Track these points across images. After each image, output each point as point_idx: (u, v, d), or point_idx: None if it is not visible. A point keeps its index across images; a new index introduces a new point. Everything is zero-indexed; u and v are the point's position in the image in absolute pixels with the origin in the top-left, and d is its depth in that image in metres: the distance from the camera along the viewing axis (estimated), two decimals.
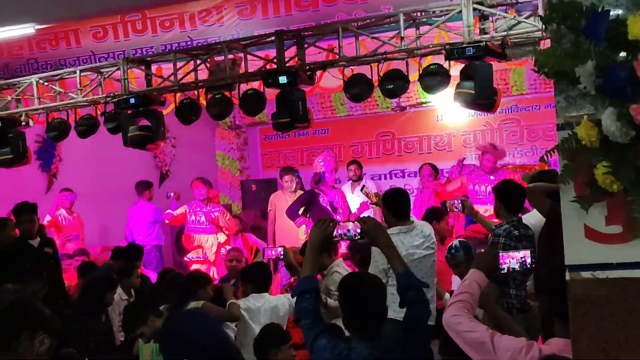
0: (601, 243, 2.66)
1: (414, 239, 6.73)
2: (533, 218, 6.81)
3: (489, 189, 9.85)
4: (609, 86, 2.51)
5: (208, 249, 11.64)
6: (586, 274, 2.70)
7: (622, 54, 2.52)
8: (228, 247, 10.82)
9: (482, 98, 7.58)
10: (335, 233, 4.42)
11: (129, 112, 8.87)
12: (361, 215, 6.56)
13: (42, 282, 7.16)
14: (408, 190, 11.84)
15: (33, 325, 3.39)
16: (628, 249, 2.62)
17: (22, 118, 9.53)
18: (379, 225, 4.43)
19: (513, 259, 4.71)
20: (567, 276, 2.74)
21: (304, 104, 8.24)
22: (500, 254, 4.45)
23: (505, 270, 4.41)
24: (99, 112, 9.25)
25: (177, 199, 11.95)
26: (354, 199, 11.43)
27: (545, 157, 2.76)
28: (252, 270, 7.33)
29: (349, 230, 4.47)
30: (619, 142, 2.53)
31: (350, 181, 11.83)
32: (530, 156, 11.96)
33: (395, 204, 6.89)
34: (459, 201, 7.77)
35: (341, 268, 8.05)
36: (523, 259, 4.88)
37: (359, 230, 4.36)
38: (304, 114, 8.29)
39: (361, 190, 9.59)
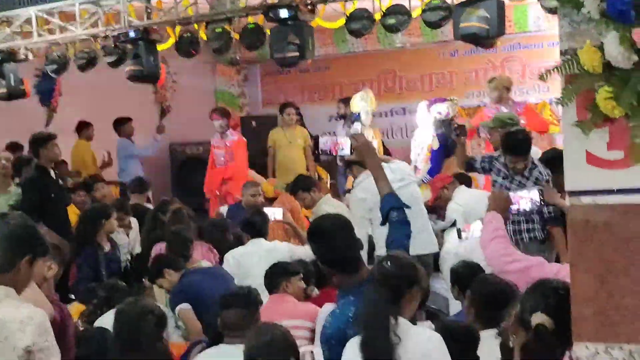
0: (602, 168, 2.66)
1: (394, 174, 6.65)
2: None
3: None
4: (613, 10, 2.48)
5: None
6: (586, 200, 2.70)
7: None
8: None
9: (497, 32, 7.50)
10: (326, 147, 4.45)
11: (129, 46, 8.83)
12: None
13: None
14: (409, 129, 11.93)
15: (34, 250, 3.41)
16: (629, 174, 2.62)
17: (21, 51, 9.47)
18: (369, 144, 4.44)
19: (523, 199, 4.73)
20: (568, 202, 2.74)
21: (313, 39, 8.20)
22: (511, 195, 4.48)
23: (516, 211, 4.44)
24: (98, 46, 9.19)
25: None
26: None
27: (544, 75, 2.76)
28: (248, 222, 7.46)
29: (330, 147, 4.48)
30: (621, 67, 2.52)
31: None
32: (533, 94, 11.91)
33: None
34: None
35: (329, 205, 8.10)
36: (533, 199, 4.90)
37: (348, 146, 4.37)
38: (313, 49, 8.27)
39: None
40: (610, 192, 2.66)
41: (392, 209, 4.24)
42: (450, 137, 9.65)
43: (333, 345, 3.88)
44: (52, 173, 8.39)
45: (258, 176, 11.68)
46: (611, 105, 2.53)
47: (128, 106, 12.05)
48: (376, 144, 10.71)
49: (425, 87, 13.04)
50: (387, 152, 11.46)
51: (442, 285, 7.17)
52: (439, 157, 10.04)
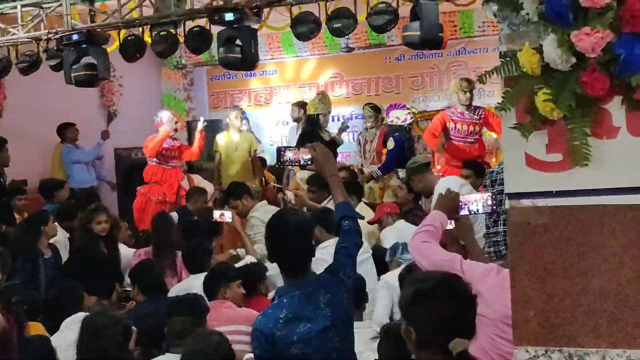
0: (541, 171, 2.66)
1: None
2: None
3: (469, 128, 9.86)
4: (551, 12, 2.49)
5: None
6: (526, 202, 2.70)
7: None
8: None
9: (429, 37, 7.54)
10: (284, 158, 4.45)
11: (72, 48, 8.69)
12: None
13: None
14: (355, 134, 11.96)
15: None
16: (567, 177, 2.62)
17: None
18: (328, 154, 4.45)
19: (474, 202, 4.73)
20: (507, 204, 2.74)
21: (256, 43, 8.14)
22: (461, 197, 4.49)
23: (466, 212, 4.44)
24: (41, 49, 9.05)
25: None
26: None
27: (483, 77, 2.76)
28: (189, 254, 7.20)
29: (298, 156, 4.47)
30: (560, 69, 2.53)
31: None
32: (478, 99, 11.98)
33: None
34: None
35: (260, 212, 8.11)
36: (485, 201, 4.91)
37: (307, 157, 4.37)
38: (255, 53, 8.19)
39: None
40: (549, 194, 2.66)
41: (344, 217, 4.26)
42: (404, 141, 10.29)
43: (262, 343, 3.98)
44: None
45: (204, 181, 11.64)
46: (550, 107, 2.54)
47: (74, 110, 11.89)
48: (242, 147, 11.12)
49: (372, 91, 13.06)
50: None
51: None
52: (394, 156, 10.40)
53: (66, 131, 11.84)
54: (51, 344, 4.94)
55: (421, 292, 2.94)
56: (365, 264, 6.57)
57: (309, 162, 4.39)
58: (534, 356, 2.72)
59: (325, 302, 4.07)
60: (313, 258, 4.20)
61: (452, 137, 9.95)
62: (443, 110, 10.60)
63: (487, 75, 2.82)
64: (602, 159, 2.57)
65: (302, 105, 11.68)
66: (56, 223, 8.10)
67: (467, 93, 9.80)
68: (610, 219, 2.60)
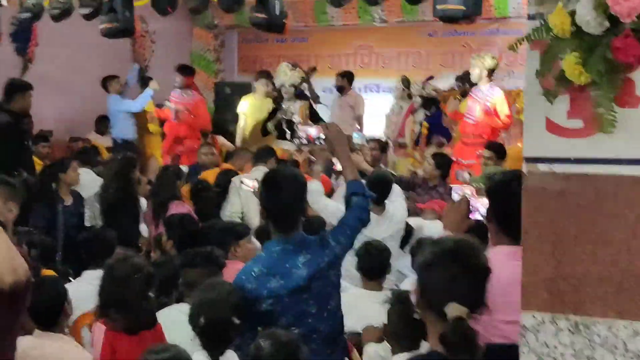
0: (561, 137, 2.65)
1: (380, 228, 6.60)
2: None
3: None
4: None
5: None
6: (543, 167, 2.68)
7: None
8: None
9: (474, 13, 7.50)
10: (297, 135, 4.48)
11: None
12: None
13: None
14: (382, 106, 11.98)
15: None
16: (587, 144, 2.60)
17: None
18: (341, 133, 4.47)
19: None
20: (524, 168, 2.73)
21: (281, 3, 8.12)
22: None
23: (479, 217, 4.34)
24: None
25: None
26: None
27: (514, 46, 2.73)
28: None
29: (306, 136, 4.50)
30: (591, 32, 2.49)
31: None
32: (507, 81, 11.91)
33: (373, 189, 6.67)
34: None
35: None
36: None
37: (320, 135, 4.40)
38: (281, 15, 8.18)
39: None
40: (567, 160, 2.65)
41: (354, 194, 4.29)
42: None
43: None
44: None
45: (227, 143, 11.68)
46: (578, 71, 2.50)
47: (105, 62, 11.91)
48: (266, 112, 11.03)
49: (402, 65, 12.99)
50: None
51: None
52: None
53: (111, 82, 11.87)
54: (63, 284, 4.97)
55: (434, 254, 2.93)
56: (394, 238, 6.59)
57: (322, 141, 4.42)
58: (541, 322, 2.71)
59: (304, 262, 4.08)
60: None
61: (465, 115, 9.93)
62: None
63: (518, 43, 2.79)
64: (622, 128, 2.54)
65: (344, 74, 11.89)
66: (80, 170, 8.12)
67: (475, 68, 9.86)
68: (627, 189, 2.57)
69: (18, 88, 8.24)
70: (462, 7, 7.39)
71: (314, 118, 11.55)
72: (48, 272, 5.75)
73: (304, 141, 9.46)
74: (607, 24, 2.46)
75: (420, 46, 12.91)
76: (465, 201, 3.98)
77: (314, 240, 4.21)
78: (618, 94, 2.52)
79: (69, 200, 7.74)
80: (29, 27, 10.81)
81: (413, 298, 2.98)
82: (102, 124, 12.23)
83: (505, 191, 3.52)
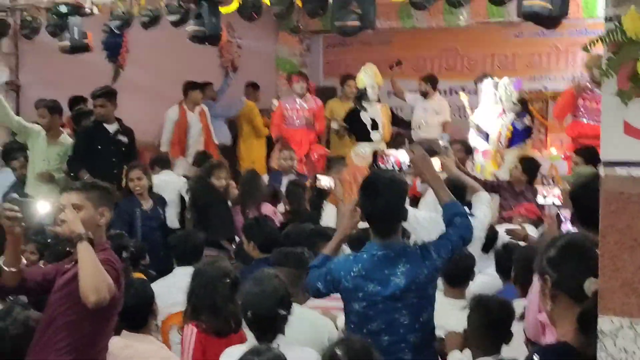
0: (639, 140, 2.63)
1: None
2: None
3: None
4: None
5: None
6: (621, 171, 2.66)
7: None
8: None
9: (560, 12, 7.37)
10: (384, 162, 4.53)
11: (193, 5, 8.88)
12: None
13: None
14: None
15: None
16: None
17: (87, 5, 9.58)
18: (427, 157, 4.49)
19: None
20: (602, 172, 2.71)
21: (374, 9, 8.14)
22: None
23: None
24: (163, 4, 9.26)
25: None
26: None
27: (588, 46, 2.72)
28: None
29: (393, 162, 4.51)
30: None
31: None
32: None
33: None
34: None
35: None
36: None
37: (407, 160, 4.41)
38: (374, 20, 8.21)
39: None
40: None
41: (456, 215, 4.31)
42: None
43: (327, 282, 4.27)
44: (111, 127, 8.50)
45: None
46: None
47: (194, 68, 12.10)
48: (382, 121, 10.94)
49: (487, 67, 12.88)
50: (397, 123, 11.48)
51: None
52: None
53: (205, 89, 12.08)
54: (150, 287, 5.10)
55: (565, 248, 2.96)
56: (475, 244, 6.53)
57: (409, 165, 4.42)
58: (619, 327, 2.69)
59: (403, 271, 4.11)
60: None
61: (579, 115, 9.71)
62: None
63: (593, 44, 2.79)
64: None
65: (429, 79, 11.90)
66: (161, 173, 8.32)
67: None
68: None
69: (96, 95, 8.46)
70: (549, 5, 7.27)
71: (396, 121, 11.57)
72: (137, 275, 5.91)
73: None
74: None
75: (506, 48, 12.78)
76: (555, 224, 4.11)
77: (416, 250, 4.24)
78: None
79: (147, 204, 7.86)
80: (120, 34, 11.05)
81: (539, 294, 3.00)
82: None
83: (586, 194, 3.53)
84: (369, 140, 10.79)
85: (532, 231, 7.16)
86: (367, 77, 10.99)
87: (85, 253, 3.75)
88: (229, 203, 8.26)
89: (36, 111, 10.09)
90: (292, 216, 8.09)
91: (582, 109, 9.68)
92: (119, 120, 9.07)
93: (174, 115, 11.24)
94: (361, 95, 10.99)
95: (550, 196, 6.49)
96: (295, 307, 4.32)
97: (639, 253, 2.65)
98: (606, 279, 2.72)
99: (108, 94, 8.52)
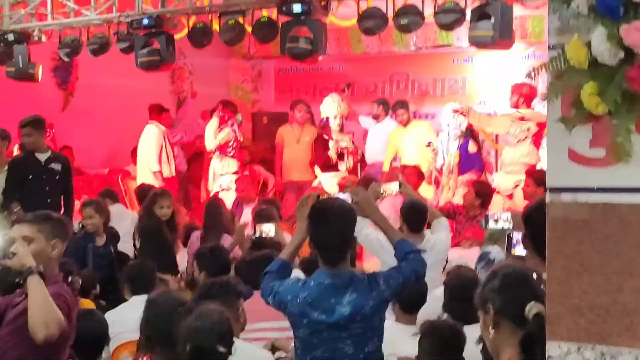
0: (584, 166, 2.64)
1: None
2: None
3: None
4: (602, 5, 2.47)
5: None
6: (567, 197, 2.68)
7: None
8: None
9: (503, 38, 7.51)
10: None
11: (142, 33, 8.85)
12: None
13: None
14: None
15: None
16: (610, 173, 2.59)
17: (35, 33, 9.51)
18: (370, 198, 4.52)
19: None
20: (547, 198, 2.73)
21: (325, 35, 8.21)
22: None
23: None
24: (112, 32, 9.23)
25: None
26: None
27: (532, 73, 2.75)
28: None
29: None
30: (607, 63, 2.50)
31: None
32: (545, 103, 11.82)
33: (409, 217, 6.58)
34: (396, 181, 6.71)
35: None
36: None
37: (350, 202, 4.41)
38: (325, 45, 8.28)
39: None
40: (590, 190, 2.64)
41: (409, 252, 4.30)
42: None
43: (275, 299, 4.26)
44: (43, 156, 8.35)
45: (266, 172, 11.75)
46: (595, 102, 2.51)
47: (145, 94, 12.05)
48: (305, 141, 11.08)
49: (437, 92, 13.00)
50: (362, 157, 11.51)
51: None
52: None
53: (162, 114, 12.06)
54: (104, 319, 5.03)
55: (507, 276, 3.00)
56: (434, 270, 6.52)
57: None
58: (567, 352, 2.70)
59: (349, 300, 4.08)
60: None
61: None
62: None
63: (537, 71, 2.82)
64: None
65: (382, 102, 11.86)
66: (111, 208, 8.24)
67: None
68: None
69: (23, 125, 8.34)
70: (490, 33, 7.42)
71: None
72: (86, 302, 5.83)
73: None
74: (622, 54, 2.47)
75: (455, 72, 12.90)
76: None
77: (363, 280, 4.20)
78: (637, 122, 2.52)
79: (100, 241, 7.75)
80: (70, 62, 10.97)
81: (482, 322, 3.03)
82: None
83: (538, 216, 3.56)
84: (335, 170, 10.85)
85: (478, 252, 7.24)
86: (329, 107, 11.02)
87: (34, 287, 3.68)
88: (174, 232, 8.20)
89: None
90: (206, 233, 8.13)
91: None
92: (51, 149, 8.79)
93: (155, 133, 11.24)
94: (325, 125, 11.03)
95: (500, 221, 6.53)
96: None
97: (586, 278, 2.65)
98: (554, 305, 2.72)
99: (34, 123, 8.31)
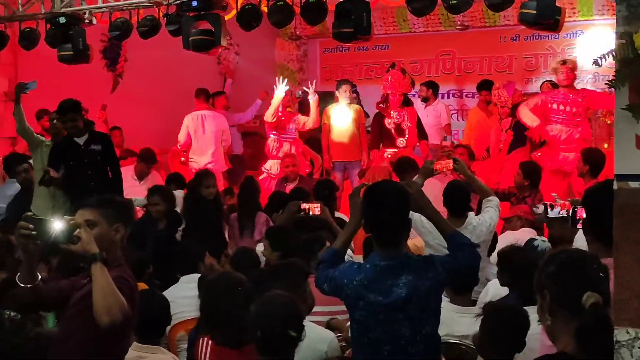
0: None
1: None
2: None
3: (571, 109, 9.66)
4: None
5: None
6: (634, 184, 2.70)
7: None
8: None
9: (545, 17, 7.48)
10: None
11: (191, 14, 8.90)
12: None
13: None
14: (465, 112, 11.96)
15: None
16: None
17: (86, 16, 9.60)
18: (423, 192, 4.52)
19: None
20: (615, 185, 2.75)
21: (368, 15, 8.19)
22: None
23: None
24: (161, 14, 9.29)
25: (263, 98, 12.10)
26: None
27: (599, 60, 2.76)
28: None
29: None
30: None
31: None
32: (592, 83, 11.77)
33: (451, 200, 6.52)
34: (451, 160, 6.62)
35: None
36: None
37: None
38: (368, 26, 8.26)
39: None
40: None
41: (464, 245, 4.34)
42: None
43: (331, 284, 4.31)
44: (81, 139, 8.44)
45: (312, 152, 11.79)
46: None
47: (192, 75, 12.14)
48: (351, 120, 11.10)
49: (484, 70, 12.95)
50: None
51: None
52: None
53: (219, 97, 12.23)
54: (166, 300, 5.13)
55: (563, 263, 3.01)
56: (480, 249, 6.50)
57: None
58: (635, 337, 2.73)
59: (405, 282, 4.09)
60: None
61: (552, 118, 9.75)
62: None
63: (603, 58, 2.83)
64: None
65: (430, 85, 11.86)
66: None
67: (564, 73, 9.57)
68: None
69: (61, 112, 8.44)
70: (534, 12, 7.40)
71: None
72: (141, 285, 5.93)
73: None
74: None
75: (502, 51, 12.84)
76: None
77: (419, 261, 4.24)
78: None
79: (162, 224, 7.87)
80: (118, 44, 11.08)
81: (538, 306, 3.05)
82: None
83: (598, 203, 3.57)
84: (394, 146, 10.84)
85: (530, 233, 7.20)
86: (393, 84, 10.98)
87: (98, 274, 3.76)
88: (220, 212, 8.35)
89: (37, 121, 10.16)
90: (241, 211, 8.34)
91: (554, 113, 9.73)
92: (90, 130, 8.83)
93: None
94: (384, 100, 11.02)
95: (557, 208, 6.49)
96: None
97: None
98: (621, 290, 2.76)
99: (75, 108, 8.36)
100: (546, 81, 11.10)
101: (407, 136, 10.75)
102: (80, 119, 8.45)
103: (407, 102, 10.92)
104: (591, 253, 3.23)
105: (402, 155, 9.93)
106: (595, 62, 2.84)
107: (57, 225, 3.75)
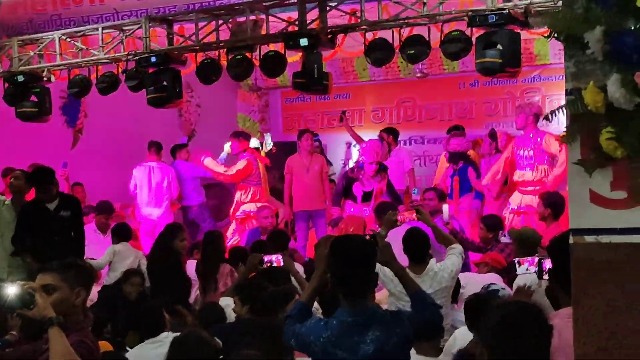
0: (605, 208, 2.67)
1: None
2: None
3: (530, 153, 9.88)
4: (616, 52, 2.52)
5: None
6: (590, 238, 2.71)
7: (631, 20, 2.52)
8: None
9: (510, 66, 7.56)
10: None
11: (150, 70, 8.92)
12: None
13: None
14: (427, 158, 12.03)
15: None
16: (632, 214, 2.63)
17: (44, 74, 9.60)
18: (389, 245, 4.51)
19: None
20: (571, 240, 2.76)
21: (319, 67, 8.26)
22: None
23: None
24: (120, 70, 9.29)
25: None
26: None
27: (549, 116, 2.79)
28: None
29: None
30: (623, 108, 2.54)
31: None
32: (552, 126, 11.87)
33: (412, 247, 6.56)
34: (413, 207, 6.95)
35: None
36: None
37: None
38: (319, 78, 8.32)
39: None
40: (613, 231, 2.67)
41: (428, 304, 4.33)
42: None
43: (298, 340, 4.23)
44: (51, 205, 8.31)
45: (276, 202, 11.77)
46: (613, 146, 2.55)
47: (154, 128, 12.11)
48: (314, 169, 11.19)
49: (445, 116, 13.06)
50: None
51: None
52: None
53: (180, 150, 12.20)
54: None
55: (502, 318, 3.06)
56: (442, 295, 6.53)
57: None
58: None
59: (372, 338, 4.03)
60: None
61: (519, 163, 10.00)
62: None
63: (553, 114, 2.86)
64: None
65: (390, 131, 11.93)
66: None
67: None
68: None
69: (35, 181, 8.34)
70: (499, 60, 7.47)
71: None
72: (103, 344, 5.85)
73: None
74: (637, 99, 2.52)
75: (462, 97, 12.97)
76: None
77: (386, 316, 4.18)
78: None
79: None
80: (78, 100, 11.04)
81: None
82: None
83: (562, 252, 3.56)
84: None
85: (496, 279, 7.22)
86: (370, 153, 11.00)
87: (55, 339, 3.69)
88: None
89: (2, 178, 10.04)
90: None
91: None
92: (61, 194, 8.56)
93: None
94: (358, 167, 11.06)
95: (525, 264, 6.53)
96: None
97: (612, 319, 2.68)
98: (581, 345, 2.75)
99: (49, 177, 8.25)
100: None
101: (371, 205, 10.70)
102: (53, 187, 8.34)
103: (382, 169, 10.86)
104: (537, 308, 3.23)
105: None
106: (546, 118, 2.86)
107: (11, 290, 3.68)
